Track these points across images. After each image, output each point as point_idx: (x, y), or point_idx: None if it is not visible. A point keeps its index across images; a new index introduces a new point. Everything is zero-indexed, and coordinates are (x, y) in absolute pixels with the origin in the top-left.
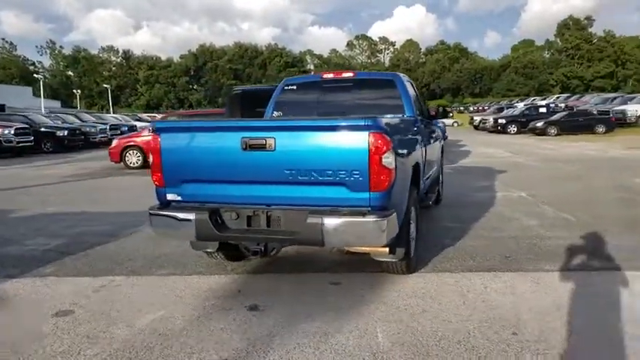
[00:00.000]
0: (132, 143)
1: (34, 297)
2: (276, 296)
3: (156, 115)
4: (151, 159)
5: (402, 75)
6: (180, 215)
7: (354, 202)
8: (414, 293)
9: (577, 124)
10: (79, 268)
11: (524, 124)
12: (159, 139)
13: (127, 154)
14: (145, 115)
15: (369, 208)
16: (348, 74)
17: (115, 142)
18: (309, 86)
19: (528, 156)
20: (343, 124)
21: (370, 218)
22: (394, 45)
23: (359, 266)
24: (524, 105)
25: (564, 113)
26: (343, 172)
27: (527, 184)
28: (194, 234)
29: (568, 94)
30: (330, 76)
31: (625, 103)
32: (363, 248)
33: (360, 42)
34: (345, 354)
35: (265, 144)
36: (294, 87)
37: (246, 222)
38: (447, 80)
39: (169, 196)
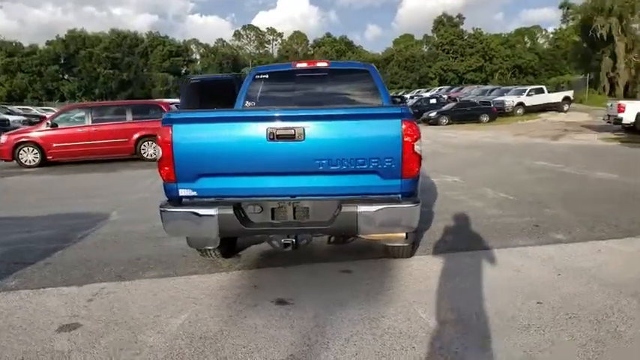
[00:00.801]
0: (25, 139)
1: (20, 313)
2: (296, 288)
3: (30, 107)
4: (159, 152)
5: (373, 65)
6: (202, 211)
7: (385, 189)
8: (426, 275)
9: (465, 113)
10: (51, 278)
11: (417, 114)
12: (170, 131)
13: (22, 151)
14: (16, 108)
15: (399, 195)
16: (323, 64)
17: (4, 138)
18: (281, 76)
19: (435, 144)
20: (376, 112)
21: (407, 204)
22: (282, 36)
23: (358, 253)
24: (411, 97)
25: (453, 104)
26: (375, 160)
27: (452, 169)
28: (216, 230)
29: (449, 86)
30: (304, 65)
31: (502, 94)
32: (380, 235)
33: (248, 32)
34: (402, 336)
35: (294, 134)
36: (266, 76)
37: (271, 215)
38: None
39: (182, 192)
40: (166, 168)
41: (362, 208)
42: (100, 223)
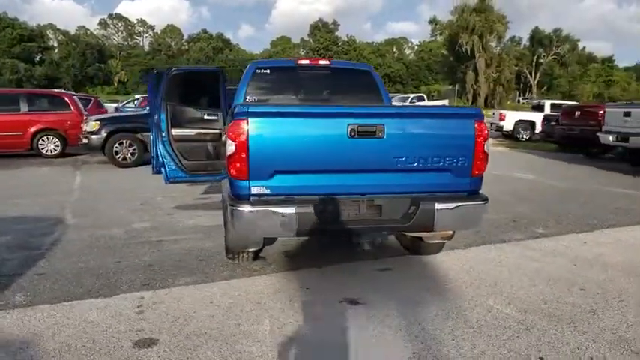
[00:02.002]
0: None
1: (68, 331)
2: (352, 288)
3: None
4: (230, 147)
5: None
6: (281, 209)
7: (454, 187)
8: (461, 269)
9: None
10: (65, 290)
11: None
12: (245, 125)
13: None
14: None
15: (466, 193)
16: (325, 62)
17: None
18: (283, 71)
19: None
20: (453, 111)
21: (480, 202)
22: (154, 29)
23: (380, 250)
24: None
25: None
26: (449, 159)
27: None
28: (295, 229)
29: None
30: (306, 62)
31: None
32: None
33: (115, 21)
34: (499, 327)
35: (375, 131)
36: (267, 71)
37: (345, 213)
38: None
39: (254, 190)
40: (238, 164)
41: (440, 206)
42: (58, 227)
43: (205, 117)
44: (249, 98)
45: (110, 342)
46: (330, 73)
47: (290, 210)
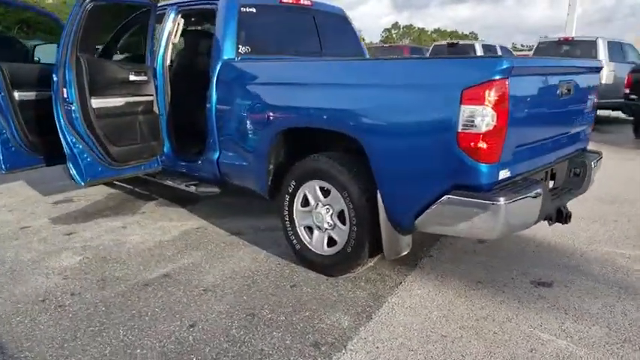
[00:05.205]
0: None
1: None
2: (511, 267)
3: None
4: (485, 119)
5: None
6: (534, 195)
7: (583, 143)
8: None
9: None
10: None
11: None
12: (506, 87)
13: None
14: None
15: (583, 149)
16: (306, 2)
17: None
18: (268, 11)
19: None
20: (592, 65)
21: (601, 156)
22: None
23: None
24: None
25: None
26: (589, 113)
27: None
28: (537, 216)
29: None
30: (290, 0)
31: None
32: None
33: None
34: None
35: (571, 88)
36: (253, 10)
37: (548, 184)
38: None
39: (502, 174)
40: (492, 143)
41: (592, 164)
42: None
43: (131, 77)
44: (241, 49)
45: None
46: (315, 16)
47: (538, 191)
